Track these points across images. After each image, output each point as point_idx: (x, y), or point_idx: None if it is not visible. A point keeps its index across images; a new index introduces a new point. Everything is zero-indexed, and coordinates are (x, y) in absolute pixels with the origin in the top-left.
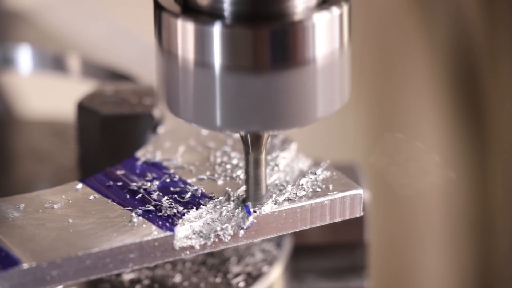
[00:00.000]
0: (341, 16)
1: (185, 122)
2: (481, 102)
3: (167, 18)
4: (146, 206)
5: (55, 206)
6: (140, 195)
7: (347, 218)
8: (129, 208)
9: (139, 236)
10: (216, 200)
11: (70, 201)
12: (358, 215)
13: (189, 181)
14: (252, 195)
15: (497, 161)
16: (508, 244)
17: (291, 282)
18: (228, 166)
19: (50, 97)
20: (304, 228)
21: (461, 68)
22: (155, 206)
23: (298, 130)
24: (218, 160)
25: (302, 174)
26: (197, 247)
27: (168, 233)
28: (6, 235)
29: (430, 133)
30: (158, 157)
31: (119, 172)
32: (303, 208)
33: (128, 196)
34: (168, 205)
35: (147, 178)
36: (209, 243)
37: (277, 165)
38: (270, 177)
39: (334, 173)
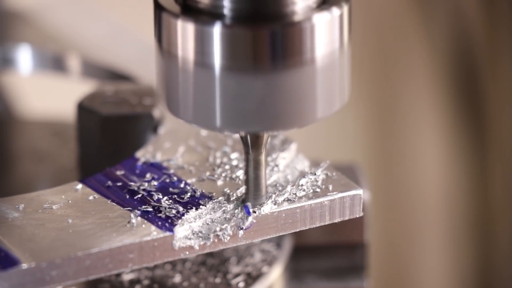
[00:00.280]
0: (341, 16)
1: (185, 123)
2: (481, 102)
3: (167, 18)
4: (146, 206)
5: (55, 207)
6: (139, 196)
7: (346, 218)
8: (129, 208)
9: (138, 237)
10: (215, 200)
11: (70, 201)
12: (357, 216)
13: (188, 181)
14: (251, 195)
15: (497, 161)
16: (508, 244)
17: (291, 282)
18: (228, 167)
19: (50, 97)
20: (304, 228)
21: (461, 68)
22: (154, 206)
23: (298, 131)
24: (218, 161)
25: (302, 175)
26: (197, 247)
27: (168, 233)
28: (6, 235)
29: (430, 133)
30: (158, 157)
31: (118, 173)
32: (303, 209)
33: (127, 197)
34: (168, 206)
35: (147, 179)
36: (208, 244)
37: (277, 165)
38: (270, 177)
39: (334, 174)
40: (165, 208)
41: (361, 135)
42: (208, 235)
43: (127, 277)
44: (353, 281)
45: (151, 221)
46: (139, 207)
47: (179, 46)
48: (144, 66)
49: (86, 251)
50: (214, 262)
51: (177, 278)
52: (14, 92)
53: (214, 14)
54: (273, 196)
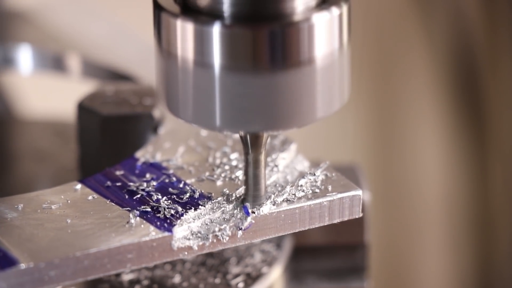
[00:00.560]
0: (340, 16)
1: (185, 123)
2: (481, 102)
3: (166, 18)
4: (145, 206)
5: (54, 207)
6: (138, 196)
7: (346, 219)
8: (128, 208)
9: (137, 237)
10: (214, 201)
11: (69, 201)
12: (357, 216)
13: (188, 181)
14: (251, 195)
15: (497, 161)
16: (508, 244)
17: (292, 283)
18: (227, 167)
19: (50, 97)
20: (303, 229)
21: (461, 68)
22: (153, 206)
23: (298, 131)
24: (218, 161)
25: (301, 175)
26: (195, 247)
27: (166, 233)
28: (5, 235)
29: (430, 133)
30: (157, 157)
31: (118, 173)
32: (302, 209)
33: (127, 197)
34: (167, 206)
35: (146, 179)
36: (207, 244)
37: (276, 166)
38: (269, 178)
39: (333, 174)
40: (164, 208)
41: (361, 135)
42: (207, 235)
43: (126, 277)
44: (354, 282)
45: (150, 221)
46: (138, 207)
47: (178, 46)
48: (145, 66)
49: (84, 251)
50: (214, 262)
51: (177, 279)
52: (15, 92)
53: (213, 14)
54: (272, 196)
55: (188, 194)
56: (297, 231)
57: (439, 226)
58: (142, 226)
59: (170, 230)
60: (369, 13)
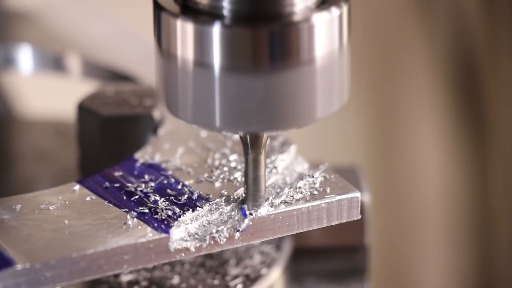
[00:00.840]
0: (340, 16)
1: (185, 124)
2: (481, 102)
3: (166, 18)
4: (142, 208)
5: (51, 207)
6: (136, 197)
7: (344, 221)
8: (125, 209)
9: (134, 238)
10: (212, 202)
11: (67, 202)
12: (355, 218)
13: (186, 183)
14: (251, 195)
15: (497, 161)
16: (508, 244)
17: (292, 284)
18: (226, 169)
19: (50, 97)
20: (301, 231)
21: (461, 68)
22: (151, 208)
23: (297, 132)
24: (217, 163)
25: (300, 177)
26: (192, 249)
27: (163, 235)
28: (1, 236)
29: (430, 133)
30: (156, 158)
31: (117, 174)
32: (300, 211)
33: (124, 198)
34: (165, 207)
35: (145, 180)
36: (204, 245)
37: (275, 167)
38: (268, 179)
39: (332, 176)
40: (162, 209)
41: (361, 135)
42: (204, 237)
43: (125, 278)
44: (354, 284)
45: (147, 222)
46: (135, 209)
47: (178, 46)
48: (146, 67)
49: (80, 252)
50: (213, 263)
51: (176, 280)
52: (15, 92)
53: (213, 14)
54: (270, 198)
55: (186, 196)
56: (295, 233)
57: (439, 227)
58: (139, 227)
59: (167, 232)
60: (369, 13)
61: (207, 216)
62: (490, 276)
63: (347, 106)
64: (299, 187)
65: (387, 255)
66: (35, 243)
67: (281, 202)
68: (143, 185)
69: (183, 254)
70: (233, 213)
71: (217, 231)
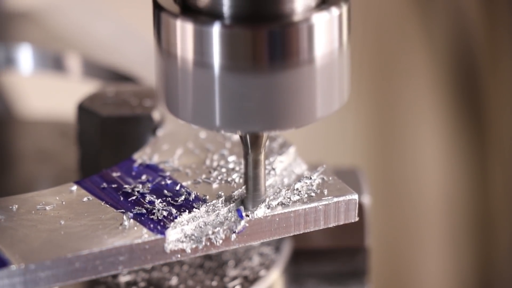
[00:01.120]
0: (340, 16)
1: (184, 124)
2: (481, 102)
3: (166, 18)
4: (139, 208)
5: (48, 208)
6: (133, 198)
7: (341, 223)
8: (122, 210)
9: (129, 239)
10: (209, 203)
11: (64, 203)
12: (353, 220)
13: (184, 184)
14: (251, 195)
15: (497, 161)
16: (508, 244)
17: (292, 286)
18: (224, 170)
19: (51, 97)
20: (298, 232)
21: (461, 68)
22: (147, 208)
23: (297, 132)
24: (215, 164)
25: (298, 179)
26: (188, 250)
27: (159, 236)
28: None
29: (430, 133)
30: (155, 159)
31: (114, 174)
32: (297, 213)
33: (121, 199)
34: (161, 208)
35: (142, 181)
36: (200, 247)
37: (273, 169)
38: (267, 181)
39: (330, 178)
40: (158, 210)
41: (361, 135)
42: (201, 238)
43: (123, 279)
44: (354, 286)
45: (143, 223)
46: (132, 209)
47: (178, 46)
48: (147, 67)
49: (76, 253)
50: (212, 265)
51: (174, 281)
52: (15, 92)
53: (213, 14)
54: (267, 200)
55: (183, 197)
56: (292, 234)
57: (439, 228)
58: (135, 228)
59: (163, 233)
60: (369, 13)
61: (204, 217)
62: (490, 276)
63: (347, 106)
64: (297, 189)
65: (387, 256)
66: (30, 243)
67: (278, 204)
68: (140, 186)
69: (179, 256)
70: (229, 214)
71: (213, 233)
